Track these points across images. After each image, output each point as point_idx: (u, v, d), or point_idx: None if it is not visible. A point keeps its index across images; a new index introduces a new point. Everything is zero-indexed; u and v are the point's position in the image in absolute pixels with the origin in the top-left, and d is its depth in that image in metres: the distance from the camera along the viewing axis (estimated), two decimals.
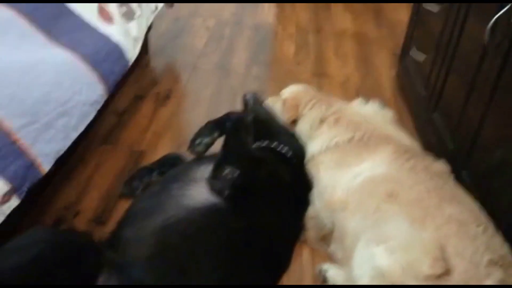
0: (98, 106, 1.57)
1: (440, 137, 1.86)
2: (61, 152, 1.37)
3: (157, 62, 2.67)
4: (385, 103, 2.38)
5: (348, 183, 1.48)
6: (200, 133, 1.66)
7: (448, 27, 1.92)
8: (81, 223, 1.58)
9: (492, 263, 1.16)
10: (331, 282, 1.43)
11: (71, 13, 1.71)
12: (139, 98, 2.31)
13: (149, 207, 1.30)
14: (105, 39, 1.70)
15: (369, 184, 1.43)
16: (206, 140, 1.63)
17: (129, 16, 1.96)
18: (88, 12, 1.72)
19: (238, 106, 2.33)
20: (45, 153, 1.27)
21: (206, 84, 2.50)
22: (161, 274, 1.12)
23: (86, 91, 1.47)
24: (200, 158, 1.57)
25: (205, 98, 2.37)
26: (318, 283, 1.48)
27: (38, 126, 1.25)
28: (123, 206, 1.65)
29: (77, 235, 1.23)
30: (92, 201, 1.68)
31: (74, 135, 1.43)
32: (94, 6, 1.77)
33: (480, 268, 1.16)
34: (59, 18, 1.66)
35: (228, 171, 1.36)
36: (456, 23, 1.83)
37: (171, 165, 1.74)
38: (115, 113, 2.17)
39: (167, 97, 2.35)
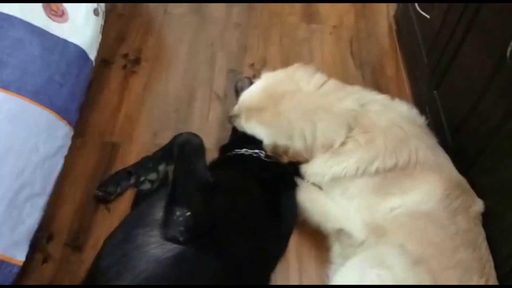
0: (65, 150, 1.34)
1: (439, 125, 1.68)
2: (36, 227, 1.19)
3: (123, 5, 2.30)
4: (382, 59, 2.18)
5: (385, 215, 1.32)
6: (144, 168, 1.50)
7: None
8: (56, 249, 1.49)
9: None
10: None
11: (10, 19, 1.31)
12: (105, 64, 2.03)
13: (117, 262, 1.19)
14: (60, 45, 1.36)
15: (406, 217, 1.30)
16: (151, 176, 1.48)
17: None
18: (31, 12, 1.34)
19: (217, 67, 2.09)
20: (13, 242, 1.10)
21: (180, 37, 2.19)
22: None
23: (45, 142, 1.22)
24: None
25: (181, 60, 2.10)
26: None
27: None
28: (99, 223, 1.56)
29: None
30: (66, 218, 1.56)
31: (44, 199, 1.24)
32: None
33: None
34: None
35: (178, 214, 1.23)
36: None
37: (148, 170, 1.59)
38: None
39: (137, 60, 2.07)
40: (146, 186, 1.50)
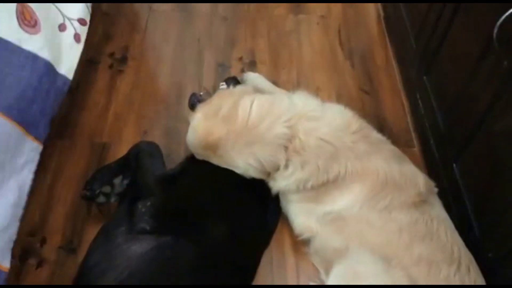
0: (33, 165, 1.34)
1: (429, 109, 1.67)
2: (15, 237, 1.21)
3: (108, 4, 2.27)
4: (371, 47, 2.17)
5: (319, 219, 1.44)
6: (99, 181, 1.50)
7: None
8: (50, 253, 1.48)
9: None
10: None
11: None
12: (91, 64, 2.00)
13: (100, 262, 1.23)
14: (30, 61, 1.33)
15: (339, 221, 1.39)
16: (105, 188, 1.48)
17: None
18: (4, 24, 1.31)
19: (206, 62, 2.07)
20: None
21: (166, 34, 2.17)
22: None
23: (11, 158, 1.21)
24: None
25: (168, 56, 2.07)
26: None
27: None
28: (92, 225, 1.54)
29: None
30: (58, 221, 1.54)
31: (20, 211, 1.26)
32: (12, 9, 1.34)
33: None
34: None
35: (141, 206, 1.32)
36: None
37: (103, 183, 1.54)
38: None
39: (124, 59, 2.04)
40: (101, 199, 1.49)
